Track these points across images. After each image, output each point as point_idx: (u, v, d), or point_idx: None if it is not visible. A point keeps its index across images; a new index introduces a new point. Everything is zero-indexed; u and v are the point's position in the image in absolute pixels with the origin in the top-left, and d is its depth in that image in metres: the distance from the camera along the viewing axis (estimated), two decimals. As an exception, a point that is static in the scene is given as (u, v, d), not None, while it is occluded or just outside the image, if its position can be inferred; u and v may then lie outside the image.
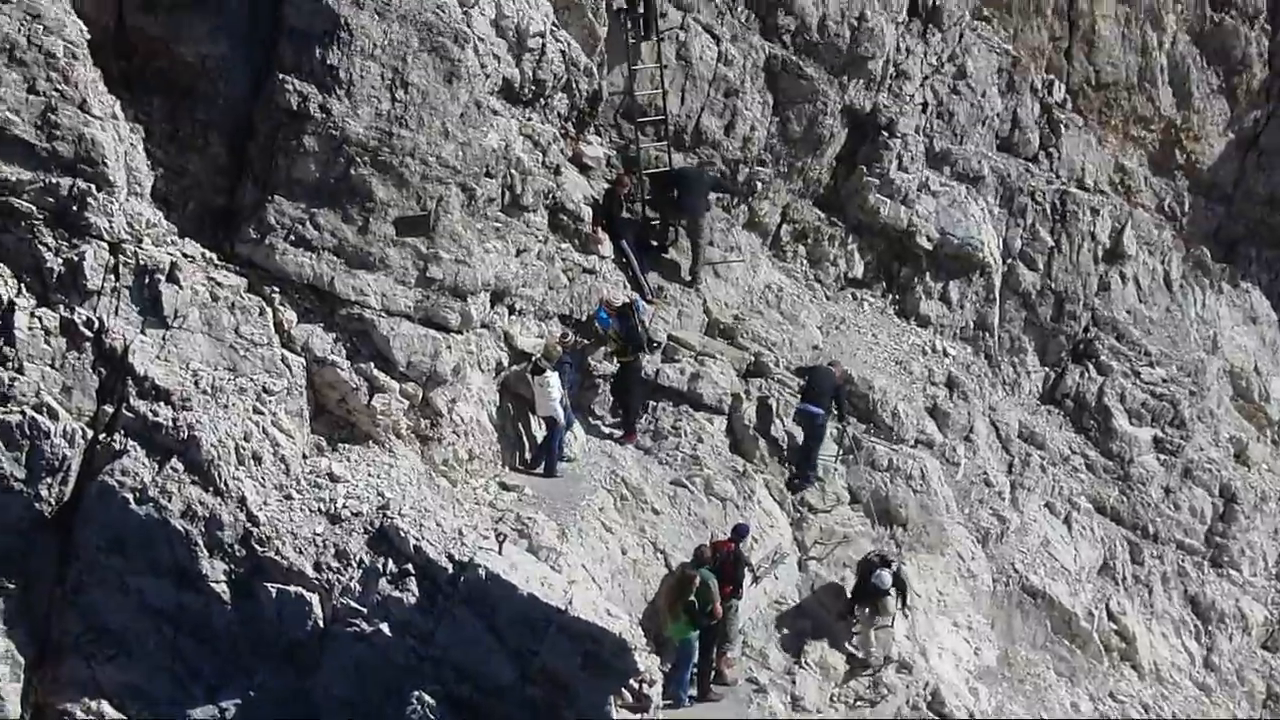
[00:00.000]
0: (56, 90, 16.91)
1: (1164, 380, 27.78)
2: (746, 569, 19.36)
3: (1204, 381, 28.51)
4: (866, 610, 20.85)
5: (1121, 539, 26.39)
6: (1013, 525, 24.80)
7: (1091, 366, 27.63)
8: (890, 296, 26.47)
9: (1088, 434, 27.28)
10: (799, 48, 24.40)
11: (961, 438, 25.00)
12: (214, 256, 18.00)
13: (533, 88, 20.64)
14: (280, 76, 17.92)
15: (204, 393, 17.15)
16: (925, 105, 26.38)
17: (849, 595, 21.21)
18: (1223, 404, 29.23)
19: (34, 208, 16.76)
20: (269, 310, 17.98)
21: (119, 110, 17.61)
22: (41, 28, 16.86)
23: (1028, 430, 26.46)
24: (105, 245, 17.04)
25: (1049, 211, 27.58)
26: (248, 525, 16.65)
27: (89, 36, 17.45)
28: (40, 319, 16.66)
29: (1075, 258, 27.69)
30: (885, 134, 25.74)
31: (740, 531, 19.50)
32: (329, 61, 17.94)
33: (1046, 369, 27.62)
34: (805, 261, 25.67)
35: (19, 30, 16.71)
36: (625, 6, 22.45)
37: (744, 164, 24.38)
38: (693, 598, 17.98)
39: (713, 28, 23.71)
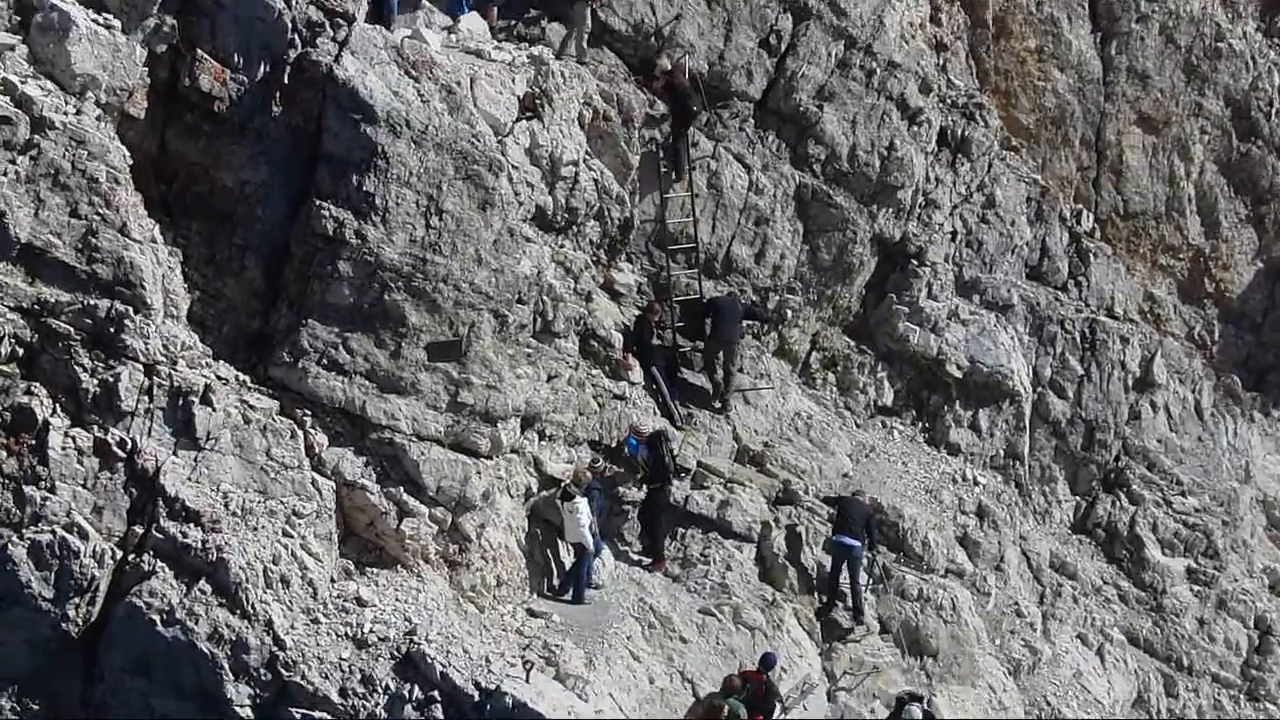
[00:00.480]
0: (98, 214, 17.19)
1: (1196, 510, 27.61)
2: (775, 699, 19.10)
3: (1237, 511, 28.30)
4: None
5: (1155, 671, 26.04)
6: (1044, 656, 24.51)
7: (1123, 496, 27.50)
8: (920, 424, 26.42)
9: (1120, 564, 27.07)
10: (829, 177, 24.61)
11: (992, 567, 24.79)
12: (247, 379, 18.14)
13: (566, 215, 20.83)
14: (317, 202, 18.18)
15: (234, 515, 17.18)
16: (955, 234, 26.52)
17: None
18: (1256, 534, 29.00)
19: (72, 329, 16.96)
20: (300, 433, 18.04)
21: (158, 234, 17.87)
22: (86, 153, 17.15)
23: (1059, 560, 26.25)
24: (140, 367, 17.18)
25: (1079, 340, 27.61)
26: (274, 649, 16.58)
27: (131, 162, 17.78)
28: (74, 439, 16.78)
29: (1105, 386, 27.67)
30: (915, 262, 25.88)
31: (768, 661, 19.26)
32: (365, 188, 18.21)
33: (1077, 498, 27.49)
34: (835, 389, 25.71)
35: (64, 156, 17.00)
36: (660, 139, 22.74)
37: (774, 292, 24.51)
38: (721, 728, 17.73)
39: (744, 157, 23.96)
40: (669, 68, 22.71)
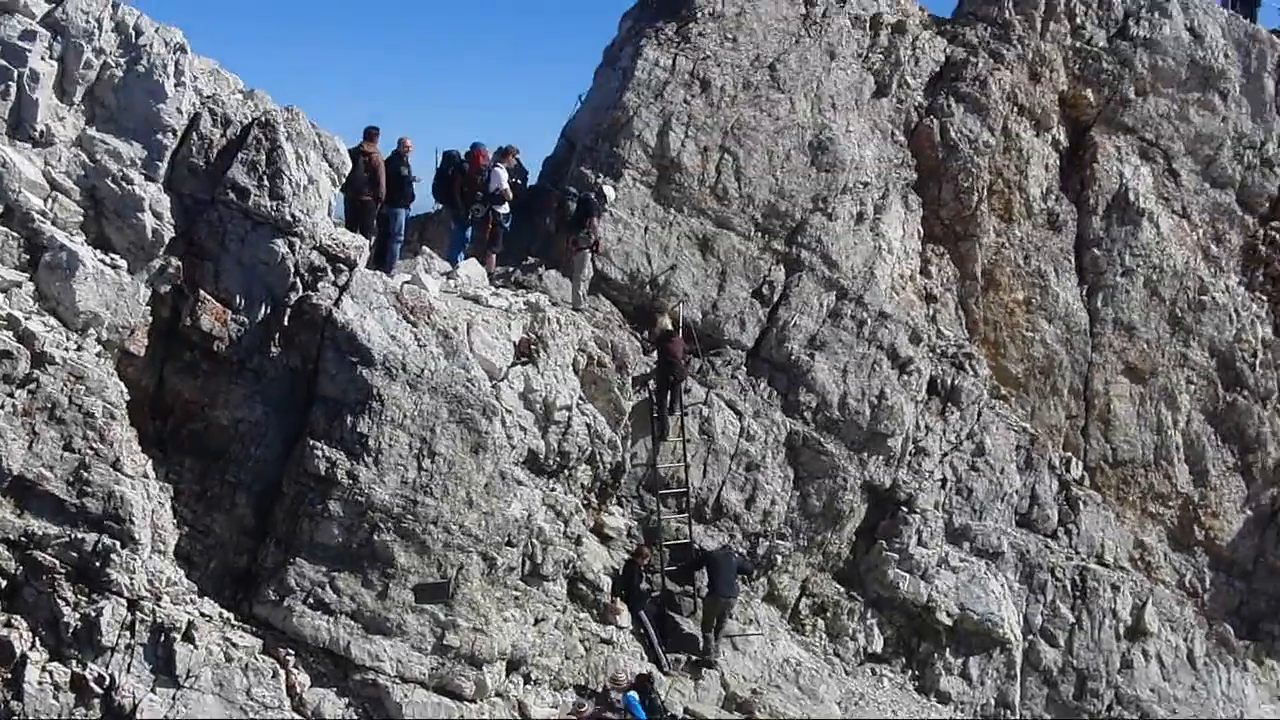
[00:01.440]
0: (92, 448, 17.28)
1: (1191, 758, 27.17)
2: None
3: (1232, 760, 27.84)
4: None
5: None
6: None
7: (1117, 746, 27.07)
8: (910, 672, 26.09)
9: (1116, 818, 26.53)
10: (820, 424, 24.85)
11: (986, 821, 24.30)
12: (231, 616, 18.01)
13: (558, 459, 20.97)
14: (311, 442, 18.32)
15: (210, 757, 16.89)
16: (944, 481, 26.62)
17: None
18: (1252, 782, 28.47)
19: (57, 562, 16.86)
20: (282, 673, 17.83)
21: (150, 469, 17.93)
22: (84, 388, 17.33)
23: (1053, 809, 25.75)
24: (124, 602, 17.05)
25: (1069, 588, 27.49)
26: None
27: (129, 397, 17.96)
28: (51, 673, 16.55)
29: (1097, 634, 27.48)
30: (905, 509, 25.90)
31: None
32: (359, 429, 18.38)
33: (1070, 748, 27.03)
34: (824, 635, 25.45)
35: (62, 390, 17.18)
36: (654, 386, 23.04)
37: (764, 537, 24.49)
38: None
39: (735, 403, 24.25)
40: (669, 327, 23.07)
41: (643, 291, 24.43)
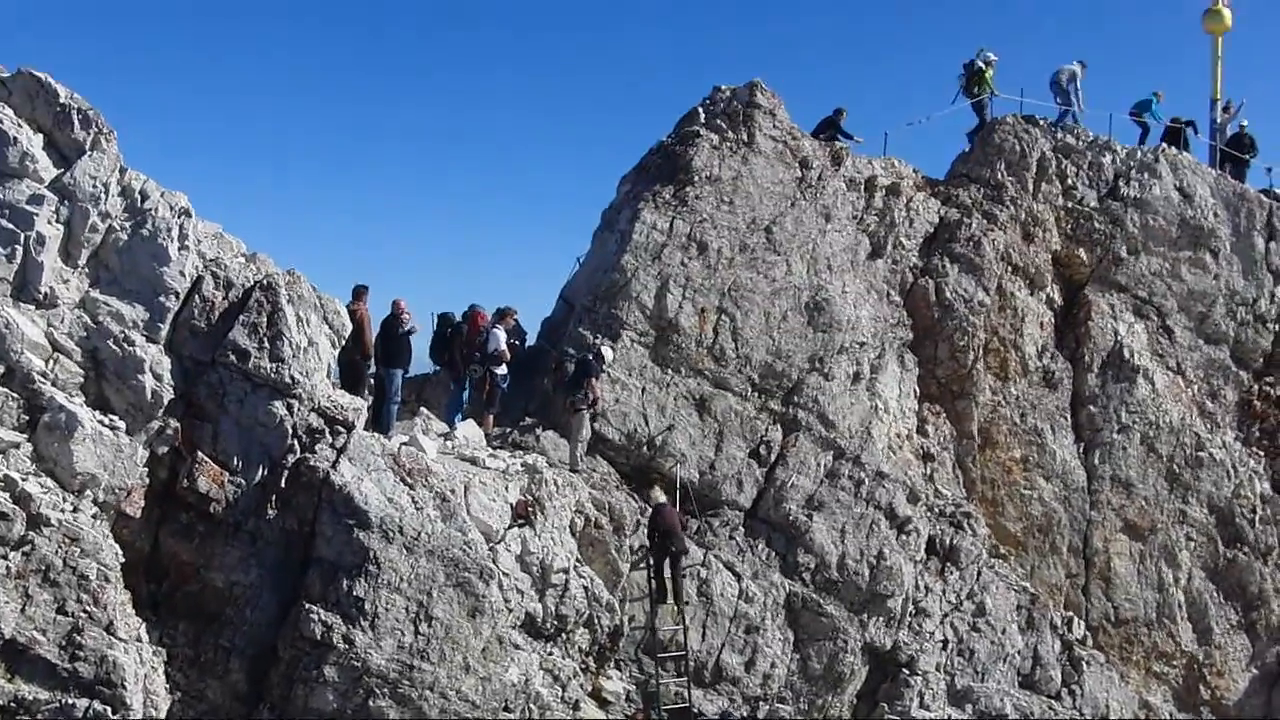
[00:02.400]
0: (85, 611, 17.19)
1: None
2: None
3: None
4: None
5: None
6: None
7: None
8: (915, 835, 25.61)
9: None
10: (819, 585, 24.67)
11: None
12: (223, 784, 17.76)
13: (555, 622, 20.79)
14: (307, 606, 18.23)
15: None
16: (945, 642, 26.33)
17: None
18: None
19: (45, 727, 16.65)
20: (277, 840, 17.56)
21: (144, 633, 17.83)
22: (79, 550, 17.28)
23: None
24: (113, 769, 16.83)
25: (1074, 749, 27.08)
26: None
27: (123, 559, 17.90)
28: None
29: (1105, 796, 27.04)
30: (906, 671, 25.57)
31: None
32: (356, 593, 18.30)
33: None
34: (829, 800, 25.05)
35: (56, 552, 17.12)
36: (649, 545, 22.93)
37: (764, 701, 24.13)
38: None
39: (734, 565, 24.09)
40: (661, 498, 23.04)
41: (640, 452, 24.48)
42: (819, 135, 30.82)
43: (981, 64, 33.66)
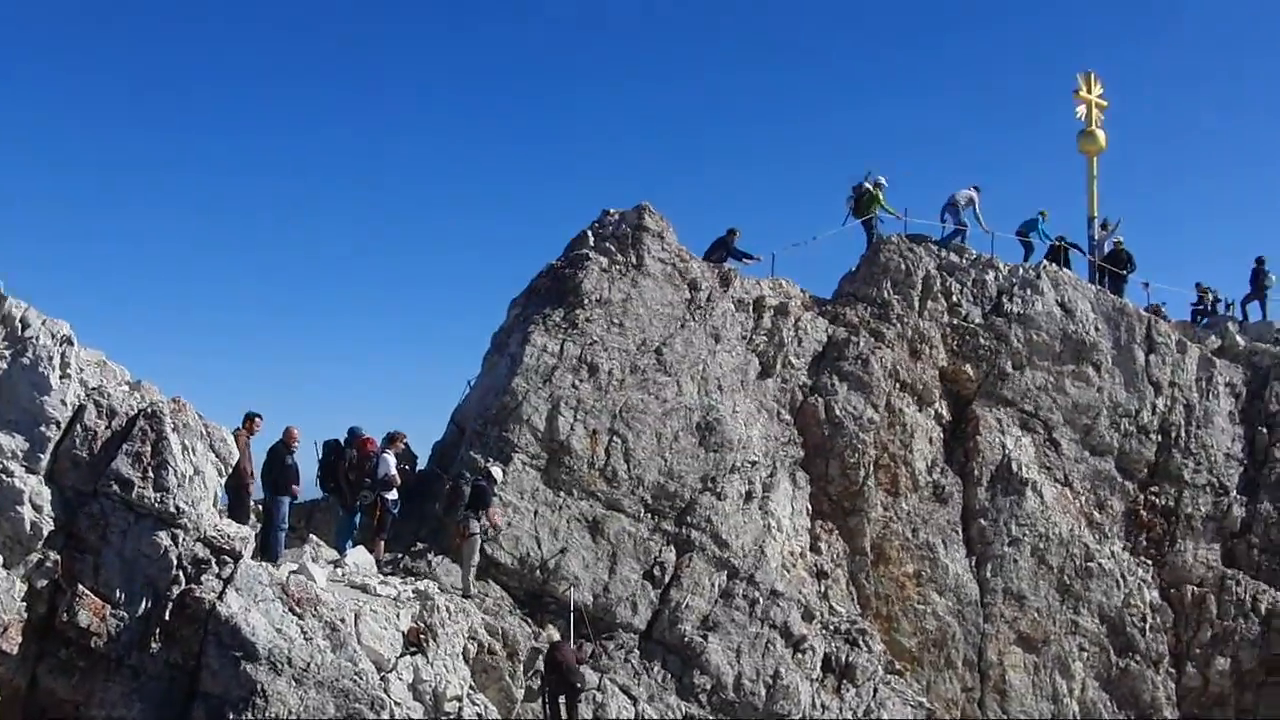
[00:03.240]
0: (-41, 753, 16.62)
1: None
2: None
3: None
4: None
5: None
6: None
7: None
8: None
9: None
10: (715, 705, 24.50)
11: None
12: None
13: (445, 756, 20.45)
14: (191, 742, 17.73)
15: None
16: (844, 761, 26.29)
17: None
18: None
19: None
20: None
21: (20, 781, 17.24)
22: (-49, 694, 16.75)
23: None
24: None
25: None
26: None
27: (-1, 699, 17.34)
28: None
29: None
30: (807, 789, 25.44)
31: None
32: (241, 728, 17.82)
33: None
34: None
35: (-75, 696, 16.57)
36: (544, 681, 22.67)
37: (660, 813, 23.93)
38: None
39: (630, 688, 23.85)
40: (556, 639, 22.83)
41: (533, 576, 24.31)
42: (711, 256, 31.30)
43: (870, 186, 34.45)
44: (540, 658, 22.44)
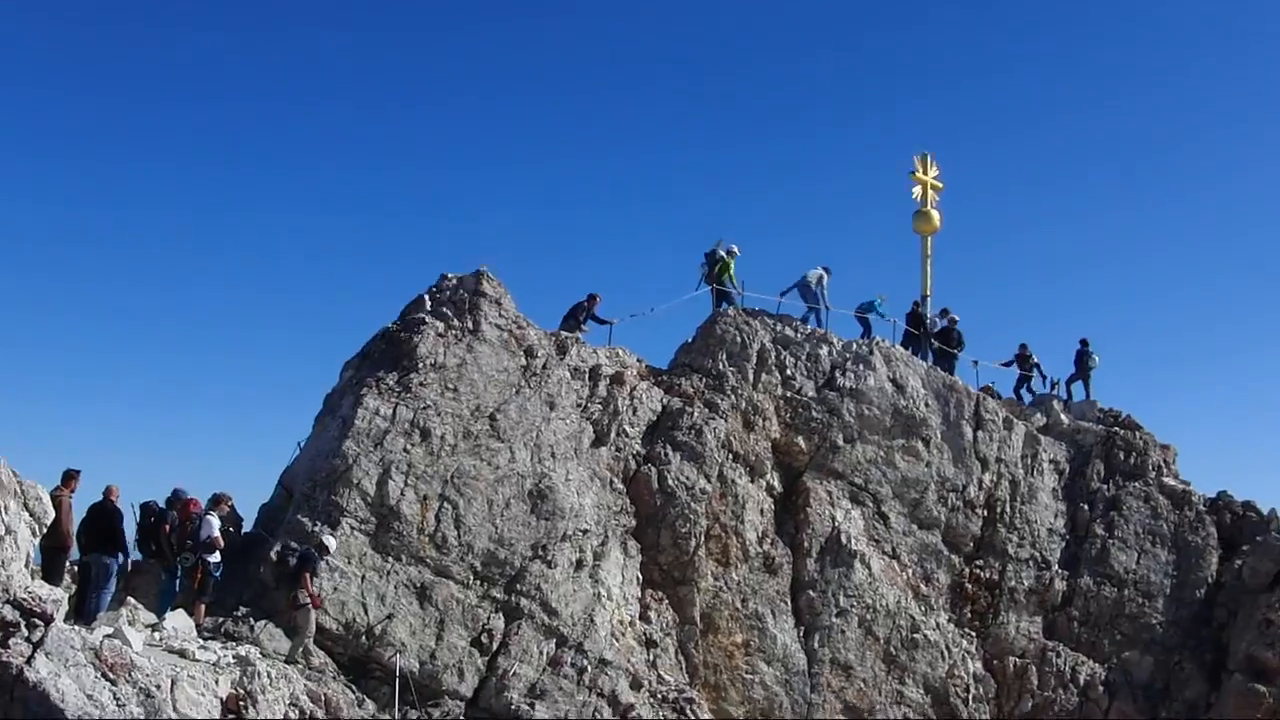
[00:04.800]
0: None
1: None
2: None
3: None
4: None
5: None
6: None
7: None
8: None
9: None
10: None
11: None
12: None
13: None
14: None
15: None
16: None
17: None
18: None
19: None
20: None
21: None
22: None
23: None
24: None
25: None
26: None
27: None
28: None
29: None
30: None
31: None
32: (47, 795, 17.26)
33: None
34: None
35: None
36: None
37: None
38: None
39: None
40: None
41: (359, 642, 23.99)
42: (569, 320, 31.63)
43: (724, 254, 34.99)
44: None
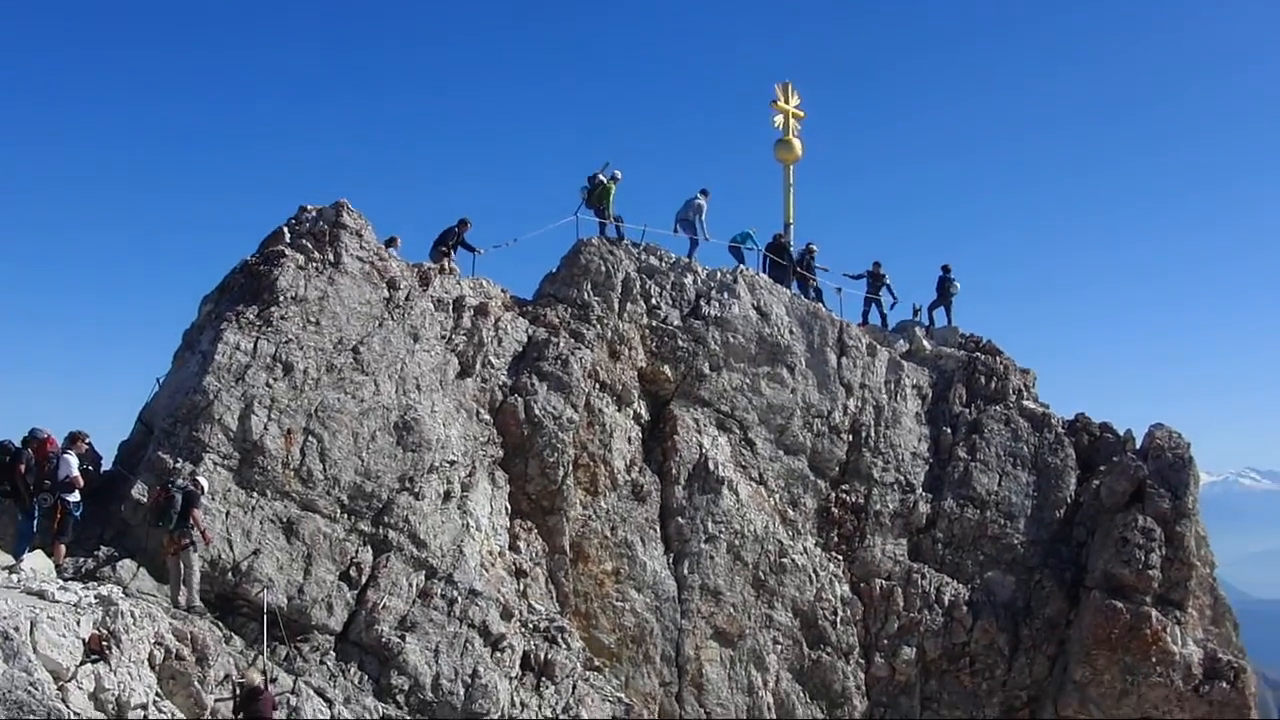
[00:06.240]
0: None
1: None
2: None
3: None
4: None
5: None
6: None
7: None
8: None
9: None
10: (414, 707, 24.19)
11: None
12: None
13: (132, 763, 19.71)
14: None
15: None
16: (540, 758, 26.37)
17: None
18: None
19: None
20: None
21: None
22: None
23: None
24: None
25: None
26: None
27: None
28: None
29: None
30: (506, 784, 25.43)
31: None
32: (-97, 744, 16.85)
33: None
34: None
35: None
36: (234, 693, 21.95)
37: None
38: None
39: (325, 690, 23.32)
40: (256, 682, 21.84)
41: (225, 579, 23.58)
42: (439, 246, 31.37)
43: (604, 179, 34.84)
44: (235, 698, 21.53)
